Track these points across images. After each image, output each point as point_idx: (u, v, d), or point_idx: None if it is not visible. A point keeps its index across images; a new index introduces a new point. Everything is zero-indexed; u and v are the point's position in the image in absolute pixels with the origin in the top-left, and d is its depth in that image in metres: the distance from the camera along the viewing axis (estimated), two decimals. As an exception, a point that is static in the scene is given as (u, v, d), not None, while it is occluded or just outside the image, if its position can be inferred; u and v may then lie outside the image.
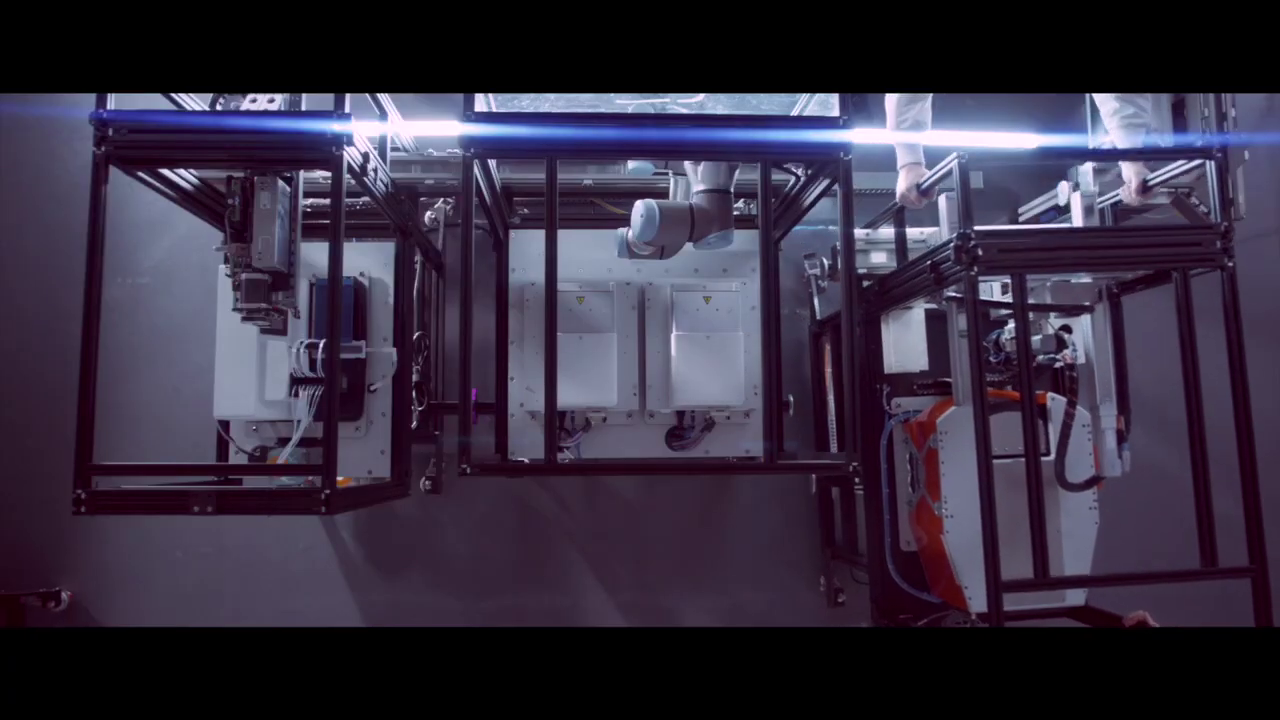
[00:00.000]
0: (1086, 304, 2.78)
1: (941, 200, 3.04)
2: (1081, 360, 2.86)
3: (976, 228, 2.55)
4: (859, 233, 3.47)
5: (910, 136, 2.95)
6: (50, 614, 3.72)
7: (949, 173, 2.66)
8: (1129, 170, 2.93)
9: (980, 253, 2.51)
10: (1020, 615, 2.66)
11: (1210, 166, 2.67)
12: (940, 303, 2.82)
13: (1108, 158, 3.13)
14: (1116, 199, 3.72)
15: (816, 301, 3.95)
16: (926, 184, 2.92)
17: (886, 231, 3.58)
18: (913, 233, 3.51)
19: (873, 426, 3.17)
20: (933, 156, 2.97)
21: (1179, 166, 2.76)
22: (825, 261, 3.81)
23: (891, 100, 3.00)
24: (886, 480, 3.14)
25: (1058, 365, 2.86)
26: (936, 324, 3.16)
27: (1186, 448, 2.55)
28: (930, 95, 2.97)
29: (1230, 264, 2.61)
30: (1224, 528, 2.55)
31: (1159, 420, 3.68)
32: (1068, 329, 2.87)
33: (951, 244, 2.57)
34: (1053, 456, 2.77)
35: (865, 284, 3.38)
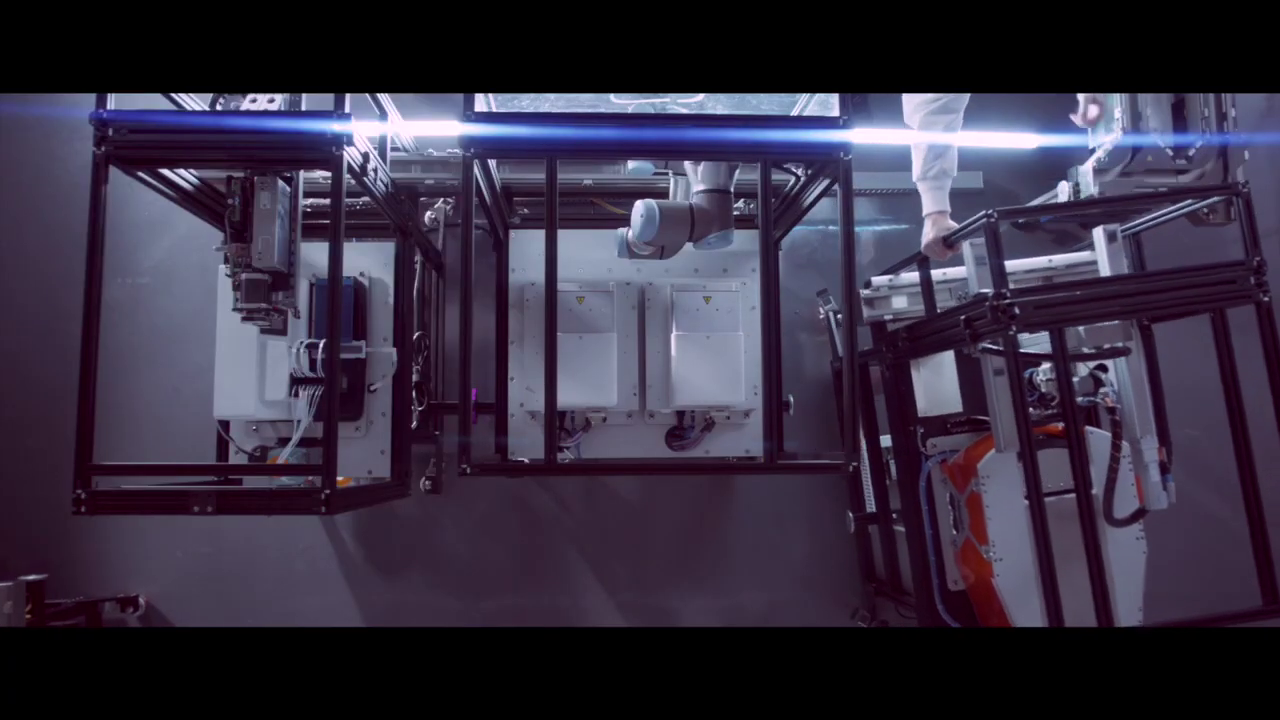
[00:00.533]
0: (1123, 345, 2.73)
1: (966, 247, 2.94)
2: (1115, 399, 2.82)
3: (1010, 270, 2.52)
4: (880, 279, 3.38)
5: (934, 137, 2.87)
6: (128, 619, 3.75)
7: (977, 227, 2.64)
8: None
9: (1018, 311, 2.47)
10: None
11: (1238, 203, 2.66)
12: (973, 351, 2.77)
13: (1122, 203, 3.13)
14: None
15: (837, 337, 3.83)
16: (955, 238, 2.87)
17: (909, 275, 3.42)
18: (934, 274, 3.37)
19: (910, 468, 3.13)
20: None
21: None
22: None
23: (916, 111, 2.92)
24: (929, 521, 3.09)
25: (1097, 404, 2.83)
26: (968, 362, 3.07)
27: (1204, 469, 2.54)
28: (963, 106, 2.89)
29: (1266, 299, 2.59)
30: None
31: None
32: (1103, 367, 2.83)
33: (987, 303, 2.51)
34: (1098, 492, 2.71)
35: (890, 327, 3.32)
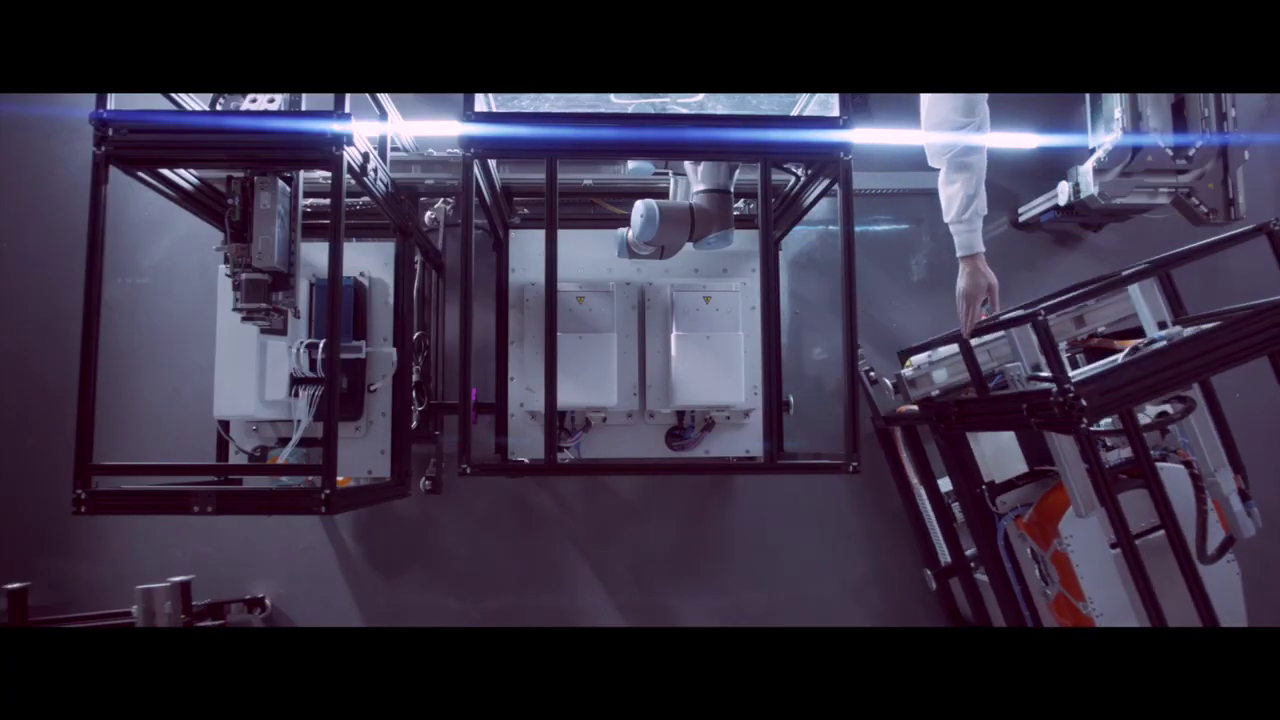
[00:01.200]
0: (1187, 398, 2.66)
1: (1013, 334, 2.85)
2: (1185, 446, 2.79)
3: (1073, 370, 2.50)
4: (919, 357, 3.33)
5: (955, 184, 2.79)
6: (253, 620, 3.75)
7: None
8: (963, 271, 2.81)
9: (1085, 403, 2.38)
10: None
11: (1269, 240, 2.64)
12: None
13: (1135, 277, 2.96)
14: (1051, 210, 3.69)
15: (874, 396, 3.75)
16: (990, 320, 2.80)
17: (945, 349, 3.36)
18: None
19: (985, 530, 3.07)
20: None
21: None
22: (890, 382, 3.54)
23: (940, 155, 2.80)
24: (1015, 576, 3.05)
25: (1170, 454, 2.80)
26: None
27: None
28: (986, 146, 2.79)
29: None
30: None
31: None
32: (1165, 415, 2.76)
33: (1053, 398, 2.42)
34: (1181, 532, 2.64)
35: (934, 395, 3.27)
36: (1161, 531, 2.53)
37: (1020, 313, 2.69)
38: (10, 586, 3.45)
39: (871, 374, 3.75)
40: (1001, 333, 2.98)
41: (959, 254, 2.83)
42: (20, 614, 3.47)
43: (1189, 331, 2.76)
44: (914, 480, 3.72)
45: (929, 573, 3.70)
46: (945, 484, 3.50)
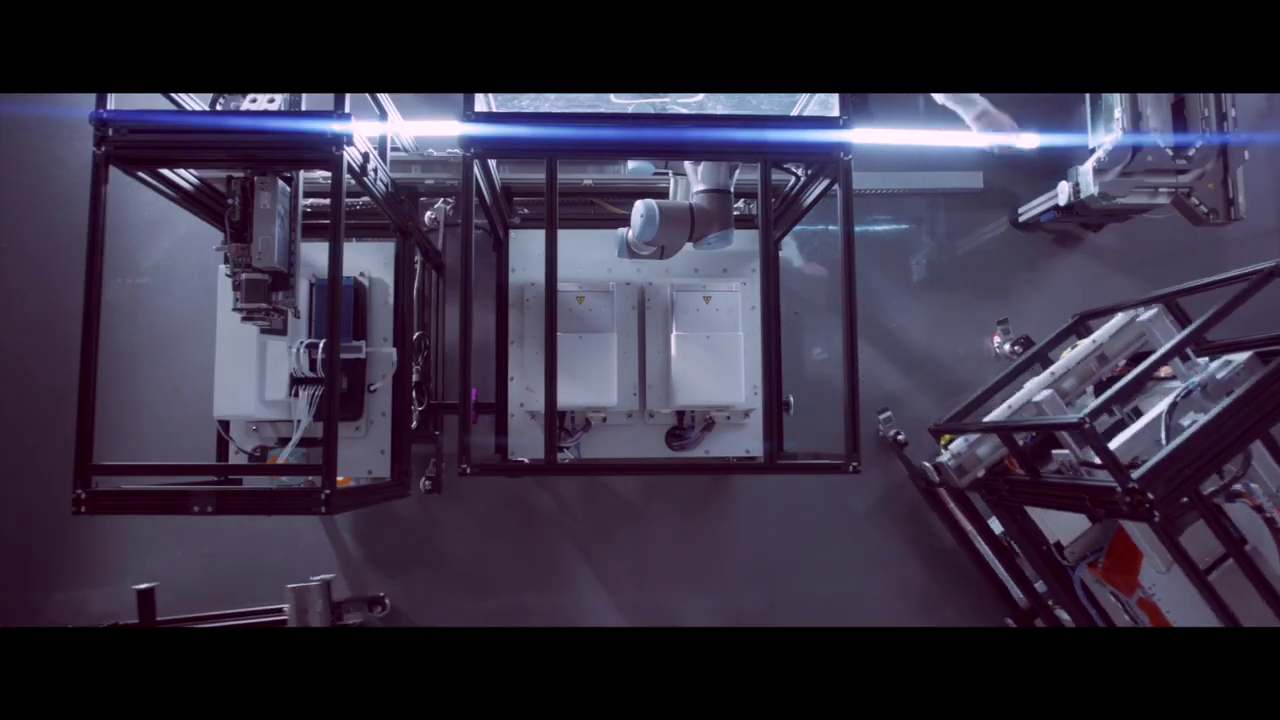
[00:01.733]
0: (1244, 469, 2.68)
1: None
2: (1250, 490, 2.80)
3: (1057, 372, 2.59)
4: (957, 444, 3.30)
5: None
6: (372, 620, 3.78)
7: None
8: (979, 129, 3.07)
9: (1152, 497, 2.39)
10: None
11: None
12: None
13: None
14: (1051, 210, 3.72)
15: (913, 463, 3.81)
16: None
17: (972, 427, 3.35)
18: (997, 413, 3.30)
19: (1061, 584, 3.09)
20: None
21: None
22: (930, 465, 3.48)
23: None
24: (1100, 619, 3.07)
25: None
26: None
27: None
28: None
29: None
30: None
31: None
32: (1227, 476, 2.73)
33: (1118, 495, 2.44)
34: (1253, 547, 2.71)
35: (980, 474, 3.27)
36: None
37: (1066, 419, 2.68)
38: (139, 587, 3.46)
39: (900, 437, 3.80)
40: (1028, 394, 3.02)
41: (971, 117, 3.04)
42: (149, 614, 3.46)
43: (1214, 366, 2.78)
44: (968, 528, 3.68)
45: (1010, 620, 3.67)
46: (996, 526, 3.48)
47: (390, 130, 3.37)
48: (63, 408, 2.62)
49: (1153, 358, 2.78)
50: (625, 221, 3.11)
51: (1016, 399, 3.21)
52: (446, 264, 3.86)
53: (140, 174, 2.59)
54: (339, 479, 2.47)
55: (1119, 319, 3.24)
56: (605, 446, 3.27)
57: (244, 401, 2.91)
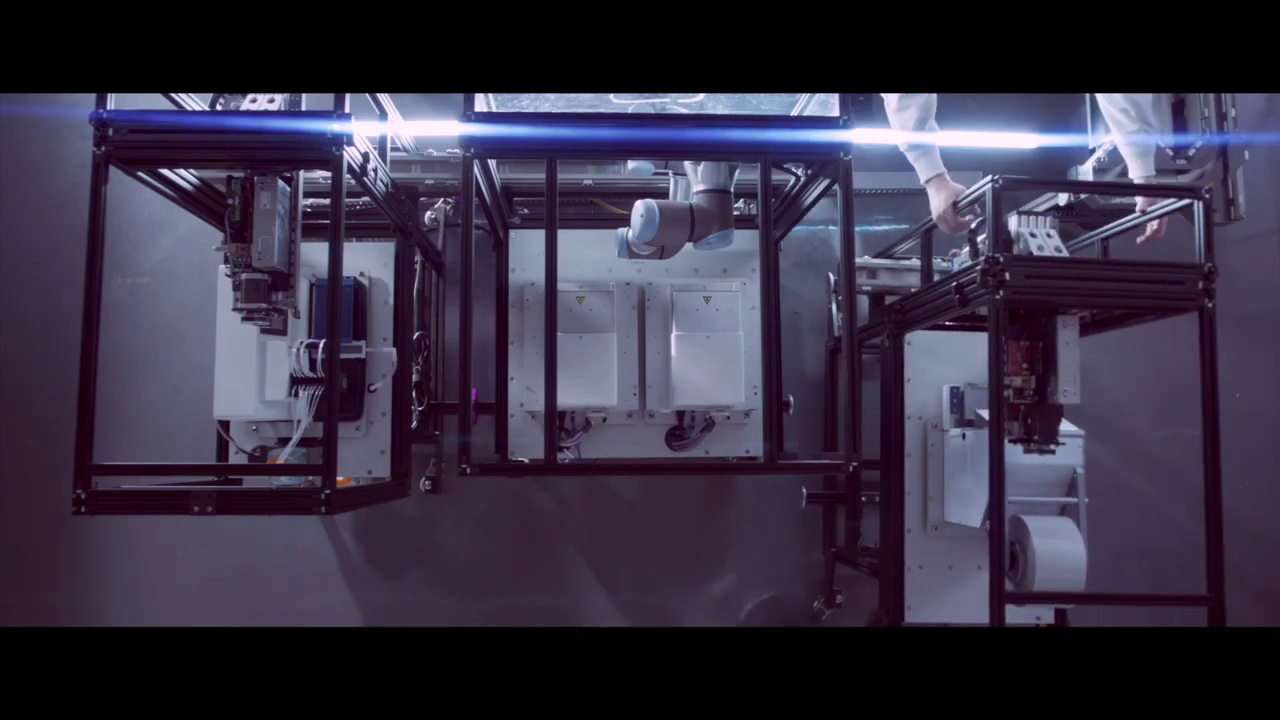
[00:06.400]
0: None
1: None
2: None
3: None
4: (881, 261, 3.45)
5: (919, 137, 2.90)
6: None
7: (980, 196, 2.67)
8: (932, 195, 2.98)
9: (1008, 277, 2.50)
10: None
11: (1198, 207, 2.68)
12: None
13: (1093, 189, 3.31)
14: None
15: (835, 317, 3.90)
16: (964, 202, 2.89)
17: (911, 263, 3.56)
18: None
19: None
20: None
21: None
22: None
23: (890, 101, 2.95)
24: None
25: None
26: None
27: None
28: (928, 95, 2.91)
29: (1210, 305, 2.60)
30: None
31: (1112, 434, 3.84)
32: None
33: (978, 267, 2.56)
34: None
35: (889, 300, 3.37)
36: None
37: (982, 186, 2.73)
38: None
39: (840, 297, 3.86)
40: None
41: (923, 179, 2.95)
42: None
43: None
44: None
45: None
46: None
47: (390, 130, 3.37)
48: (63, 408, 2.63)
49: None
50: (625, 221, 3.10)
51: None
52: (446, 264, 3.86)
53: (140, 174, 2.59)
54: (339, 479, 2.47)
55: None
56: (605, 446, 3.27)
57: (244, 402, 2.90)
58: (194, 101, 2.70)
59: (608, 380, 3.12)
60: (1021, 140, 4.02)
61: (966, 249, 3.13)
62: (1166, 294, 2.65)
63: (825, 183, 3.00)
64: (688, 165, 3.16)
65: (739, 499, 4.03)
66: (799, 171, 3.23)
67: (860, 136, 2.72)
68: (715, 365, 3.16)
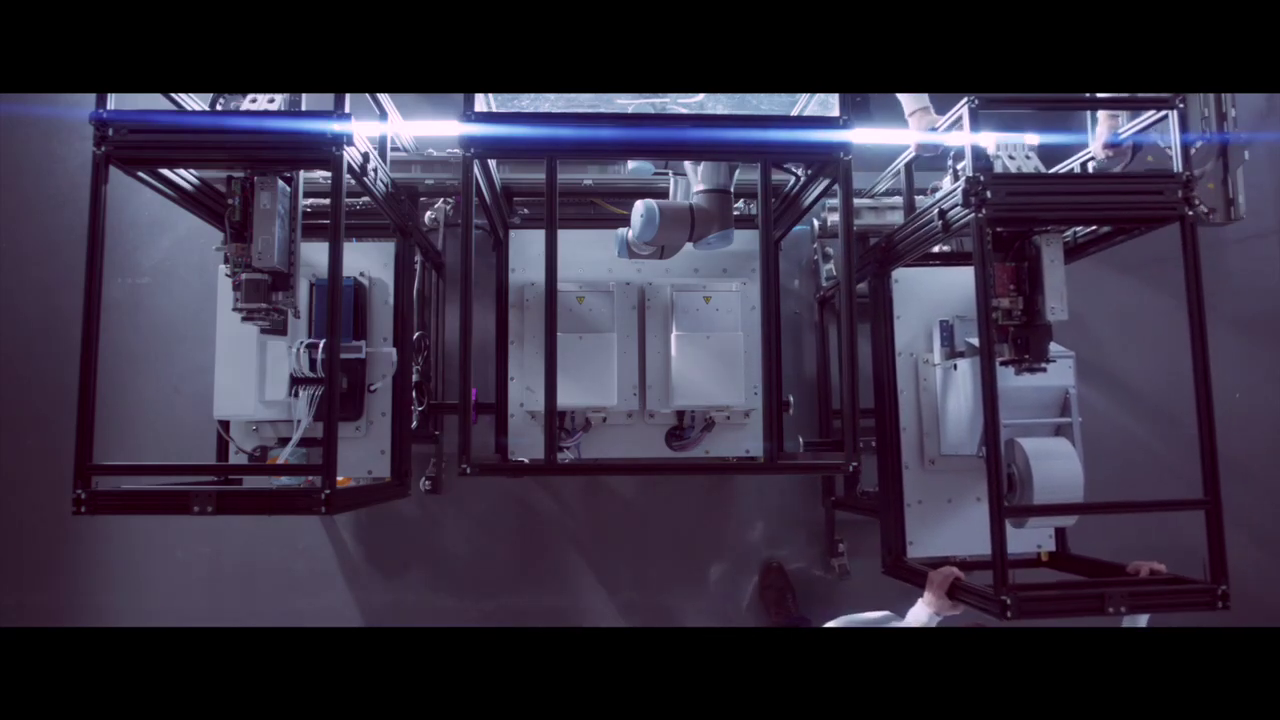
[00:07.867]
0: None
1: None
2: None
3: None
4: (863, 202, 3.55)
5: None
6: None
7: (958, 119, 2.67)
8: (913, 125, 3.04)
9: (989, 195, 2.50)
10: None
11: (1173, 116, 2.73)
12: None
13: (1075, 105, 3.33)
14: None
15: (823, 267, 3.97)
16: (944, 124, 2.90)
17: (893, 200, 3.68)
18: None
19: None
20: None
21: (1146, 118, 2.89)
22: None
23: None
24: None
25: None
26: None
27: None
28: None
29: (1190, 213, 2.60)
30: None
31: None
32: None
33: (959, 188, 2.56)
34: None
35: (872, 242, 3.40)
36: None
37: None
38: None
39: (829, 250, 4.03)
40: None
41: (906, 112, 3.04)
42: None
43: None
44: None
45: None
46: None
47: (390, 130, 3.37)
48: (63, 408, 2.63)
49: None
50: (625, 221, 3.11)
51: None
52: (446, 264, 3.86)
53: (140, 174, 2.59)
54: (339, 479, 2.47)
55: None
56: (605, 446, 3.27)
57: (244, 402, 2.90)
58: (194, 101, 2.70)
59: (608, 380, 3.12)
60: (1021, 140, 4.02)
61: (947, 178, 3.13)
62: (1147, 204, 2.64)
63: (825, 182, 3.00)
64: (688, 165, 3.16)
65: (739, 498, 4.03)
66: (799, 171, 3.23)
67: (860, 136, 2.72)
68: (715, 365, 3.16)
